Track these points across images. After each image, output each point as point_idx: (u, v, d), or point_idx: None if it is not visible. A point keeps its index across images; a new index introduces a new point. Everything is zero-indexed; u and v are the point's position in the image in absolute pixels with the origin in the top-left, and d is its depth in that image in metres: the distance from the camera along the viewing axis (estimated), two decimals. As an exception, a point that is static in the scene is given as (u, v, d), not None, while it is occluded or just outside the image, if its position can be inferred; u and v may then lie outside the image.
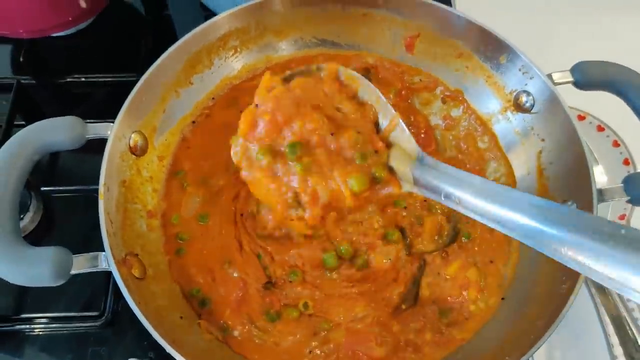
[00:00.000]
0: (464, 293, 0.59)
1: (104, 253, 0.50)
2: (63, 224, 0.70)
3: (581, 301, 0.69)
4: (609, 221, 0.38)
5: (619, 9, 0.96)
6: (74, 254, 0.49)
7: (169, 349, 0.46)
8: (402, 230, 0.61)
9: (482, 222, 0.44)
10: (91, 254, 0.50)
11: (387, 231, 0.60)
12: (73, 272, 0.49)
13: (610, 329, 0.67)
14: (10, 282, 0.47)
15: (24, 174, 0.52)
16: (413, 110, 0.70)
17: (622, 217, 0.76)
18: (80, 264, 0.49)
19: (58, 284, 0.48)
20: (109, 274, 0.64)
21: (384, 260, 0.58)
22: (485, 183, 0.45)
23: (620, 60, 0.61)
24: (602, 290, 0.69)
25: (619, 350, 0.65)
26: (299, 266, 0.59)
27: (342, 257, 0.59)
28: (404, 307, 0.58)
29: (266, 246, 0.59)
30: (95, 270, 0.50)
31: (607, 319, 0.67)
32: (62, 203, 0.71)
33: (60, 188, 0.71)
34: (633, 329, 0.65)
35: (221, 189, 0.63)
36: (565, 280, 0.50)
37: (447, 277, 0.60)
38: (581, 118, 0.83)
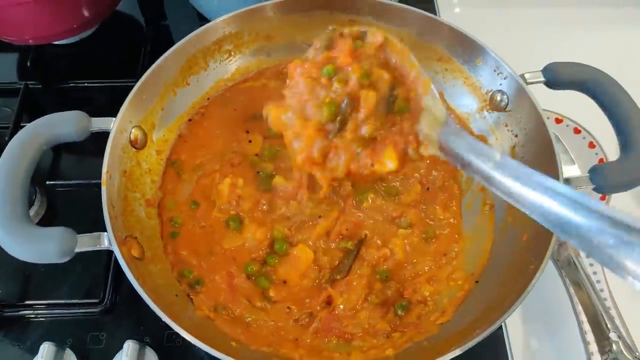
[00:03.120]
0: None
1: (106, 233, 0.54)
2: (66, 216, 0.73)
3: (558, 295, 0.72)
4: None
5: (591, 23, 1.03)
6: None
7: (167, 320, 0.50)
8: None
9: (499, 195, 0.44)
10: (94, 233, 0.54)
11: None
12: (77, 250, 0.52)
13: (584, 319, 0.70)
14: (21, 259, 0.51)
15: (34, 162, 0.56)
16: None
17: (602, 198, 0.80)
18: (84, 243, 0.53)
19: (63, 261, 0.52)
20: (108, 265, 0.69)
21: None
22: (505, 159, 0.45)
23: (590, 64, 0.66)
24: (577, 284, 0.73)
25: (591, 337, 0.69)
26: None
27: None
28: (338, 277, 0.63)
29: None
30: (97, 248, 0.53)
31: (580, 309, 0.71)
32: (65, 196, 0.75)
33: (64, 182, 0.75)
34: (606, 320, 0.69)
35: (215, 172, 0.67)
36: (533, 261, 0.54)
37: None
38: (559, 121, 0.87)
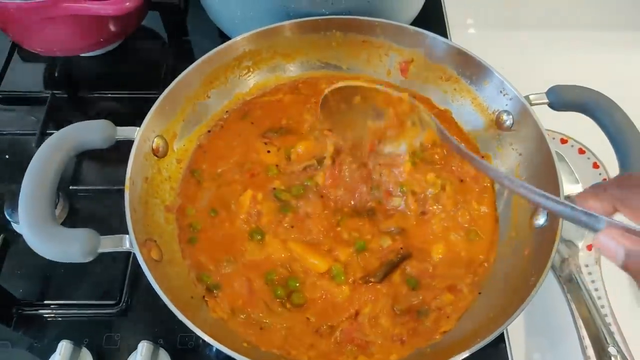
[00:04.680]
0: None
1: (127, 236, 0.57)
2: (87, 220, 0.76)
3: (560, 310, 0.74)
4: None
5: (596, 46, 1.06)
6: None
7: (182, 318, 0.52)
8: None
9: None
10: (117, 235, 0.57)
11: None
12: (100, 250, 0.55)
13: (585, 333, 0.72)
14: (47, 258, 0.54)
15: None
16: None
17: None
18: (107, 244, 0.56)
19: (87, 261, 0.55)
20: (125, 268, 0.72)
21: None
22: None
23: (593, 87, 0.69)
24: (579, 300, 0.74)
25: (591, 351, 0.70)
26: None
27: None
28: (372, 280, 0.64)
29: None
30: (119, 250, 0.56)
31: (581, 324, 0.72)
32: (86, 201, 0.78)
33: (86, 187, 0.79)
34: (606, 335, 0.70)
35: (235, 181, 0.70)
36: (533, 273, 0.57)
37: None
38: (564, 141, 0.89)
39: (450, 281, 0.65)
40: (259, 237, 0.66)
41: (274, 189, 0.70)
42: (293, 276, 0.64)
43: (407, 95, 0.67)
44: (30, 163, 0.59)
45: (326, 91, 0.67)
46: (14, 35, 0.87)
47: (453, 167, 0.72)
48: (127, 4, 0.78)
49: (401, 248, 0.67)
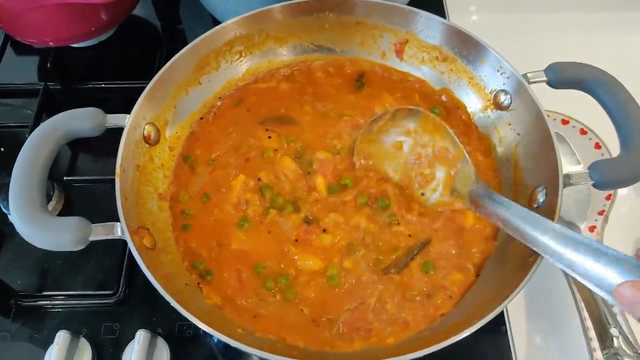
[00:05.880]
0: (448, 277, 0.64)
1: (119, 223, 0.56)
2: (83, 209, 0.76)
3: (561, 293, 0.73)
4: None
5: (597, 28, 1.04)
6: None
7: (175, 305, 0.52)
8: None
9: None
10: (108, 223, 0.56)
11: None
12: (91, 238, 0.55)
13: (587, 315, 0.71)
14: (38, 246, 0.54)
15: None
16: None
17: (601, 213, 0.81)
18: (98, 232, 0.55)
19: (78, 249, 0.54)
20: (122, 258, 0.71)
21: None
22: (529, 213, 0.55)
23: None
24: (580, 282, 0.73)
25: (593, 333, 0.69)
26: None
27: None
28: (392, 270, 0.63)
29: None
30: (111, 237, 0.56)
31: (583, 305, 0.71)
32: (81, 191, 0.78)
33: (80, 178, 0.79)
34: (607, 316, 0.69)
35: (229, 165, 0.70)
36: (531, 253, 0.55)
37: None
38: (565, 122, 0.88)
39: (458, 260, 0.64)
40: (246, 226, 0.65)
41: (259, 179, 0.68)
42: (283, 273, 0.63)
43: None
44: (20, 152, 0.58)
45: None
46: (6, 27, 0.87)
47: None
48: (115, -11, 0.77)
49: (409, 235, 0.66)
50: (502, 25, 1.02)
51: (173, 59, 0.68)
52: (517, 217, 0.55)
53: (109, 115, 0.63)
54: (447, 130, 0.66)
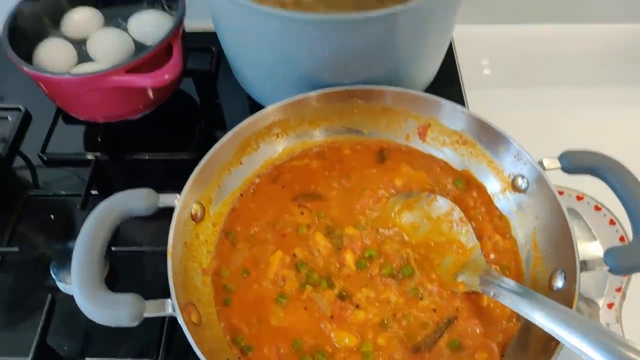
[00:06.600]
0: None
1: (169, 300, 0.61)
2: (126, 281, 0.81)
3: None
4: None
5: (606, 109, 1.11)
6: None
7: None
8: None
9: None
10: (160, 300, 0.61)
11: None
12: (146, 315, 0.59)
13: None
14: (97, 322, 0.59)
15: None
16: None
17: (618, 290, 0.84)
18: (152, 309, 0.60)
19: (133, 325, 0.59)
20: (162, 328, 0.75)
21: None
22: (542, 299, 0.61)
23: (604, 150, 0.73)
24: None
25: None
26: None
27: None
28: (422, 349, 0.66)
29: None
30: (163, 314, 0.60)
31: None
32: (127, 262, 0.83)
33: (126, 249, 0.84)
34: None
35: (267, 241, 0.74)
36: (553, 339, 0.59)
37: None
38: (580, 198, 0.92)
39: (484, 339, 0.67)
40: (284, 302, 0.69)
41: (294, 255, 0.73)
42: (320, 350, 0.66)
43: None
44: (80, 232, 0.64)
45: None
46: (60, 104, 0.94)
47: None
48: (166, 76, 0.85)
49: (434, 310, 0.69)
50: (514, 99, 1.08)
51: (219, 143, 0.75)
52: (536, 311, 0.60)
53: (161, 195, 0.68)
54: (468, 225, 0.74)
